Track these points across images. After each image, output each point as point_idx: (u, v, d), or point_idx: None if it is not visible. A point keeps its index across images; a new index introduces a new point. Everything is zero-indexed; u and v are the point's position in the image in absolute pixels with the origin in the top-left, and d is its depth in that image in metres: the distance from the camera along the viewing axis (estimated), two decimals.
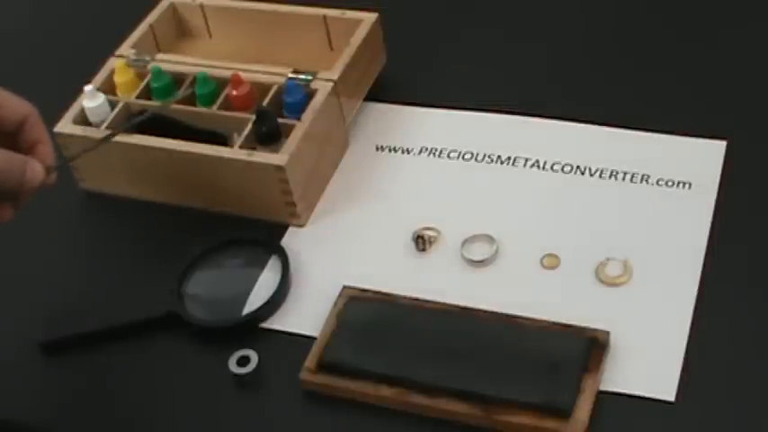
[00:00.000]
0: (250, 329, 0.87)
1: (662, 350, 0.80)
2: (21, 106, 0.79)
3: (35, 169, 0.75)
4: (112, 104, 0.99)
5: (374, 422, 0.80)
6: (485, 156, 0.97)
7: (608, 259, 0.87)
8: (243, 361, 0.84)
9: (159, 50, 1.06)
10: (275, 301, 0.88)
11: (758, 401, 0.77)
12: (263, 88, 0.97)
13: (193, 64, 1.01)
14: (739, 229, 0.87)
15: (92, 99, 0.98)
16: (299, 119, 0.94)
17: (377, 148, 1.00)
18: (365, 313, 0.85)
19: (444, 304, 0.85)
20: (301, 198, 0.93)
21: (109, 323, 0.89)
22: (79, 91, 0.99)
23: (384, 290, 0.87)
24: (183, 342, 0.87)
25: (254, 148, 0.93)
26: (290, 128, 0.93)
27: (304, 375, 0.82)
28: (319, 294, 0.88)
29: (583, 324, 0.81)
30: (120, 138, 0.96)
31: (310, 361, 0.83)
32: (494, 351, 0.81)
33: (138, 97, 1.00)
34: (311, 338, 0.85)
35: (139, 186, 0.98)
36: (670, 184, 0.92)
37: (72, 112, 0.99)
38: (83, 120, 0.98)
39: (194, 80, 0.98)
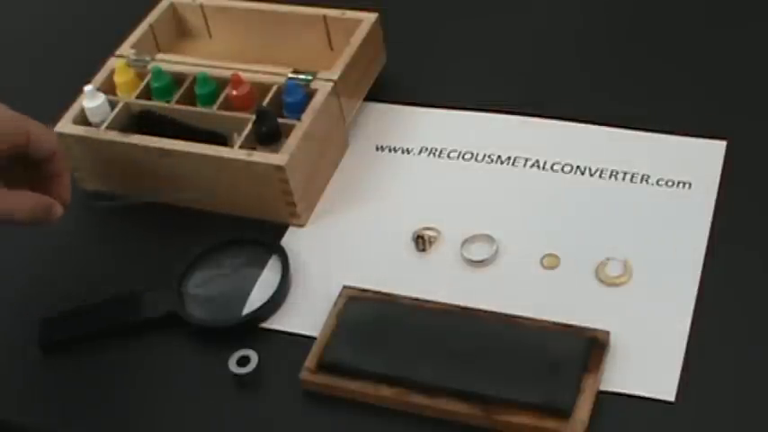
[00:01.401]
0: (250, 329, 0.87)
1: (662, 350, 0.80)
2: (51, 142, 0.87)
3: (58, 212, 0.86)
4: (112, 104, 0.99)
5: (374, 422, 0.80)
6: (485, 156, 0.97)
7: (608, 259, 0.87)
8: (243, 361, 0.84)
9: (159, 50, 1.06)
10: (275, 301, 0.88)
11: (758, 401, 0.77)
12: (263, 88, 0.97)
13: (193, 64, 1.01)
14: (739, 229, 0.87)
15: (92, 99, 0.98)
16: (299, 119, 0.94)
17: (377, 148, 1.00)
18: (365, 313, 0.85)
19: (444, 304, 0.85)
20: (301, 198, 0.93)
21: (109, 323, 0.89)
22: (79, 91, 0.99)
23: (384, 290, 0.87)
24: (183, 342, 0.87)
25: (254, 148, 0.93)
26: (290, 128, 0.93)
27: (304, 375, 0.82)
28: (319, 294, 0.88)
29: (583, 324, 0.81)
30: (120, 138, 0.96)
31: (310, 361, 0.83)
32: (494, 351, 0.81)
33: (138, 97, 1.00)
34: (311, 338, 0.85)
35: (139, 186, 0.98)
36: (670, 184, 0.92)
37: (72, 112, 0.99)
38: (83, 120, 0.98)
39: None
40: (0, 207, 0.83)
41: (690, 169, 0.92)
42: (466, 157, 0.97)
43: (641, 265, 0.86)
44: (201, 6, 1.08)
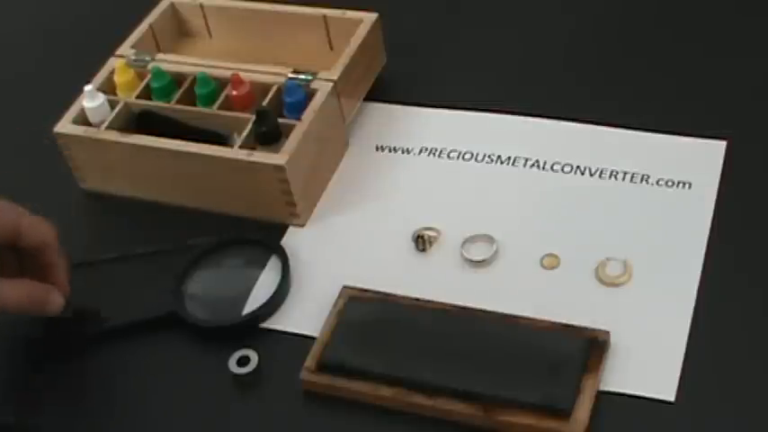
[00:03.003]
0: (250, 329, 0.87)
1: (662, 350, 0.80)
2: (43, 235, 0.84)
3: (56, 301, 0.83)
4: (112, 104, 0.99)
5: (374, 422, 0.80)
6: (485, 156, 0.97)
7: (608, 259, 0.87)
8: (243, 361, 0.84)
9: (159, 50, 1.06)
10: (275, 301, 0.88)
11: (758, 401, 0.77)
12: (263, 88, 0.97)
13: (193, 64, 1.01)
14: (739, 229, 0.87)
15: (92, 99, 0.98)
16: (299, 119, 0.94)
17: (377, 148, 1.00)
18: (365, 313, 0.85)
19: (444, 304, 0.85)
20: (301, 198, 0.93)
21: (109, 323, 0.89)
22: (79, 91, 0.99)
23: (384, 290, 0.87)
24: (183, 342, 0.87)
25: (254, 148, 0.93)
26: (290, 128, 0.93)
27: (304, 375, 0.82)
28: (319, 294, 0.88)
29: (583, 324, 0.81)
30: (119, 138, 0.96)
31: (310, 361, 0.83)
32: (494, 351, 0.81)
33: (138, 97, 1.00)
34: (311, 338, 0.85)
35: (139, 186, 0.98)
36: (670, 184, 0.92)
37: (72, 112, 0.99)
38: (83, 120, 0.98)
39: None
40: None
41: (690, 169, 0.92)
42: (466, 157, 0.97)
43: (641, 265, 0.86)
44: (201, 6, 1.09)
